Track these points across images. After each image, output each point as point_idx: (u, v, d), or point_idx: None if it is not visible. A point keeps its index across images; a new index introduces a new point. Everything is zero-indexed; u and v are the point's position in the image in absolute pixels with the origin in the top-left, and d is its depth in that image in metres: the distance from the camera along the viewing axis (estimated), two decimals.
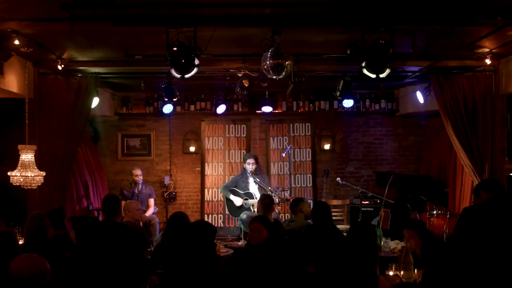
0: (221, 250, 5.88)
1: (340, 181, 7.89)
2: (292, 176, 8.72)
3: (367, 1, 4.44)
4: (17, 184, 5.37)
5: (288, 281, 3.66)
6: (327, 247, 4.59)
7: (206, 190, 8.92)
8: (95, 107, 6.94)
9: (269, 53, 4.81)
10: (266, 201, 5.89)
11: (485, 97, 6.63)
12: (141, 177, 7.88)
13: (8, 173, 5.38)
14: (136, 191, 7.76)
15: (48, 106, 6.52)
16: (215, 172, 8.95)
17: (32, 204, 6.29)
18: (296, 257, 4.08)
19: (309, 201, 7.57)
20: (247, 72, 6.25)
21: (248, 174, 7.77)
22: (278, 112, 8.82)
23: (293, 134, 9.05)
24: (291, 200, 7.90)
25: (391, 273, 3.92)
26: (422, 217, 6.68)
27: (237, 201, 7.67)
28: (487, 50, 5.85)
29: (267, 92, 8.26)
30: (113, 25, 4.69)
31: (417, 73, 6.99)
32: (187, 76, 4.81)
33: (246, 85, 6.79)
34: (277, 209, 7.53)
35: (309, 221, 5.68)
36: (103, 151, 8.83)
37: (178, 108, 8.54)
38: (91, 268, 4.19)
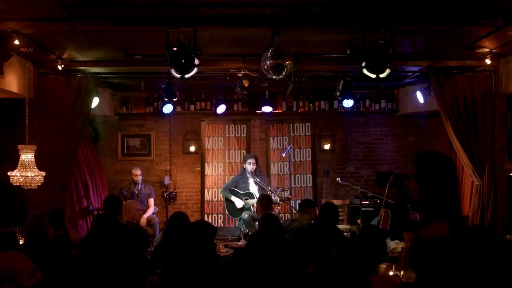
0: (221, 250, 5.88)
1: (340, 181, 7.89)
2: (292, 176, 8.72)
3: (367, 1, 4.44)
4: (17, 184, 5.37)
5: (288, 280, 3.66)
6: (328, 247, 4.59)
7: (206, 190, 8.92)
8: (95, 107, 6.94)
9: (269, 53, 4.81)
10: (264, 201, 5.88)
11: (485, 97, 6.64)
12: (140, 177, 7.89)
13: (8, 173, 5.38)
14: (136, 191, 7.76)
15: (48, 106, 6.52)
16: (215, 172, 8.95)
17: (32, 204, 6.30)
18: (296, 257, 4.08)
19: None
20: (247, 72, 6.25)
21: (248, 175, 7.76)
22: (278, 112, 8.82)
23: (293, 134, 9.04)
24: (292, 199, 7.93)
25: (391, 273, 3.92)
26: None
27: (238, 203, 7.66)
28: (487, 50, 5.85)
29: (267, 92, 8.26)
30: (113, 25, 4.69)
31: (417, 73, 6.99)
32: (187, 76, 4.81)
33: (246, 85, 6.79)
34: (277, 209, 7.54)
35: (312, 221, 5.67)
36: (103, 151, 8.82)
37: (178, 108, 8.54)
38: (93, 267, 4.19)
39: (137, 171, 7.88)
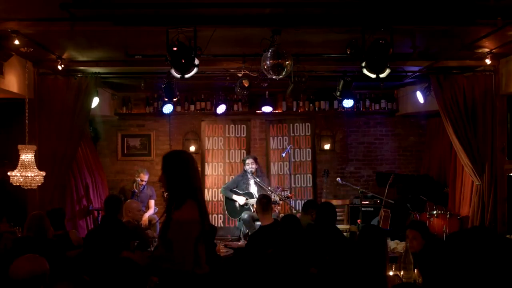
0: (221, 250, 5.89)
1: (340, 181, 7.89)
2: (292, 176, 8.71)
3: (367, 1, 4.44)
4: (17, 184, 5.37)
5: (291, 281, 3.66)
6: (328, 248, 4.58)
7: (206, 190, 8.91)
8: (95, 107, 6.93)
9: (269, 53, 4.81)
10: (263, 201, 5.88)
11: (485, 97, 6.64)
12: (145, 182, 7.87)
13: (8, 173, 5.38)
14: (137, 191, 7.76)
15: (48, 106, 6.52)
16: (215, 172, 8.94)
17: (32, 204, 6.30)
18: (297, 256, 4.08)
19: None
20: (247, 72, 6.25)
21: (248, 175, 7.77)
22: (278, 112, 8.82)
23: (293, 134, 9.04)
24: (291, 197, 7.93)
25: (391, 273, 3.92)
26: (422, 217, 6.68)
27: (240, 200, 7.67)
28: (487, 50, 5.85)
29: (267, 92, 8.26)
30: (113, 25, 4.68)
31: (417, 73, 6.99)
32: (187, 76, 4.80)
33: (246, 85, 6.80)
34: (277, 209, 7.54)
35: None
36: (103, 151, 8.82)
37: (178, 108, 8.54)
38: (93, 267, 4.19)
39: (145, 177, 7.82)
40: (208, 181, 8.92)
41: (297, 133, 9.05)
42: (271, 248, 4.26)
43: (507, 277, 1.82)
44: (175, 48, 4.63)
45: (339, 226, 5.78)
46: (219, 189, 8.45)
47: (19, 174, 5.34)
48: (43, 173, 5.54)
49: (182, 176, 2.97)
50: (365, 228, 3.88)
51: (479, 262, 1.85)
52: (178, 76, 4.80)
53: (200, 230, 2.86)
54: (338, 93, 7.05)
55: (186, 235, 2.81)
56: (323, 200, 8.08)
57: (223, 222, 8.81)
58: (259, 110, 8.60)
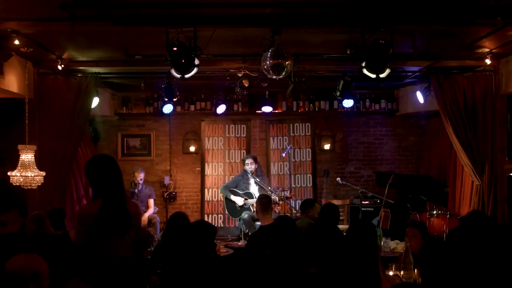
0: (221, 250, 5.89)
1: (340, 181, 7.88)
2: (292, 176, 8.71)
3: (367, 1, 4.45)
4: (17, 184, 5.37)
5: (292, 281, 3.66)
6: (328, 247, 4.58)
7: (206, 190, 8.91)
8: (95, 107, 6.93)
9: (269, 53, 4.80)
10: (264, 200, 5.88)
11: (485, 97, 6.64)
12: (142, 180, 7.90)
13: (8, 173, 5.38)
14: (136, 191, 7.77)
15: (48, 106, 6.52)
16: (215, 172, 8.94)
17: (32, 204, 6.30)
18: (297, 256, 4.07)
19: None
20: (247, 72, 6.25)
21: (249, 175, 7.77)
22: (278, 112, 8.82)
23: (293, 134, 9.04)
24: (291, 198, 7.94)
25: (391, 273, 3.92)
26: (422, 217, 6.68)
27: (239, 201, 7.66)
28: (487, 50, 5.85)
29: (267, 92, 8.26)
30: (113, 25, 4.68)
31: (417, 73, 6.99)
32: (187, 76, 4.80)
33: (246, 85, 6.80)
34: (277, 209, 7.54)
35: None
36: (103, 151, 8.80)
37: (178, 108, 8.55)
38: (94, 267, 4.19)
39: (141, 175, 7.86)
40: (208, 181, 8.92)
41: (297, 133, 9.05)
42: (270, 249, 4.26)
43: (506, 274, 1.82)
44: (175, 48, 4.64)
45: (339, 226, 5.78)
46: (219, 188, 8.45)
47: (19, 174, 5.34)
48: (43, 173, 5.54)
49: (96, 177, 3.33)
50: (353, 223, 3.89)
51: (478, 262, 1.85)
52: (178, 76, 4.80)
53: (94, 224, 3.10)
54: (338, 93, 7.05)
55: (79, 226, 3.16)
56: (323, 200, 8.09)
57: (223, 222, 8.80)
58: (259, 110, 8.60)
